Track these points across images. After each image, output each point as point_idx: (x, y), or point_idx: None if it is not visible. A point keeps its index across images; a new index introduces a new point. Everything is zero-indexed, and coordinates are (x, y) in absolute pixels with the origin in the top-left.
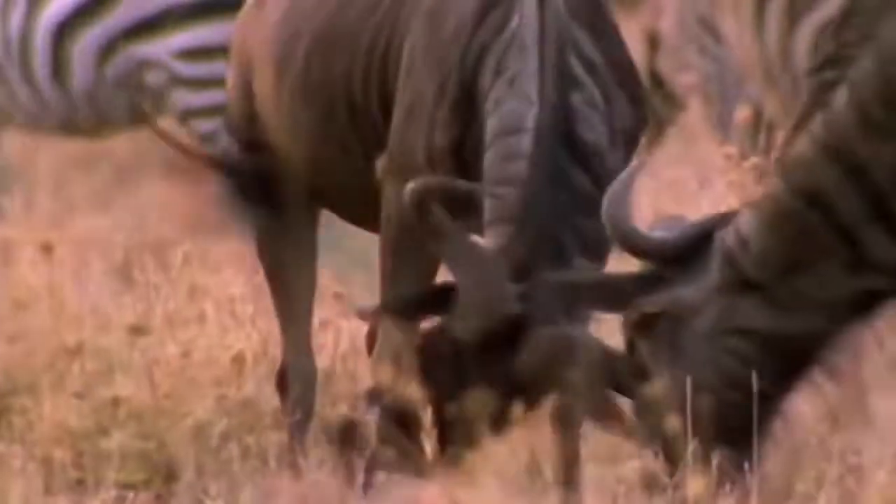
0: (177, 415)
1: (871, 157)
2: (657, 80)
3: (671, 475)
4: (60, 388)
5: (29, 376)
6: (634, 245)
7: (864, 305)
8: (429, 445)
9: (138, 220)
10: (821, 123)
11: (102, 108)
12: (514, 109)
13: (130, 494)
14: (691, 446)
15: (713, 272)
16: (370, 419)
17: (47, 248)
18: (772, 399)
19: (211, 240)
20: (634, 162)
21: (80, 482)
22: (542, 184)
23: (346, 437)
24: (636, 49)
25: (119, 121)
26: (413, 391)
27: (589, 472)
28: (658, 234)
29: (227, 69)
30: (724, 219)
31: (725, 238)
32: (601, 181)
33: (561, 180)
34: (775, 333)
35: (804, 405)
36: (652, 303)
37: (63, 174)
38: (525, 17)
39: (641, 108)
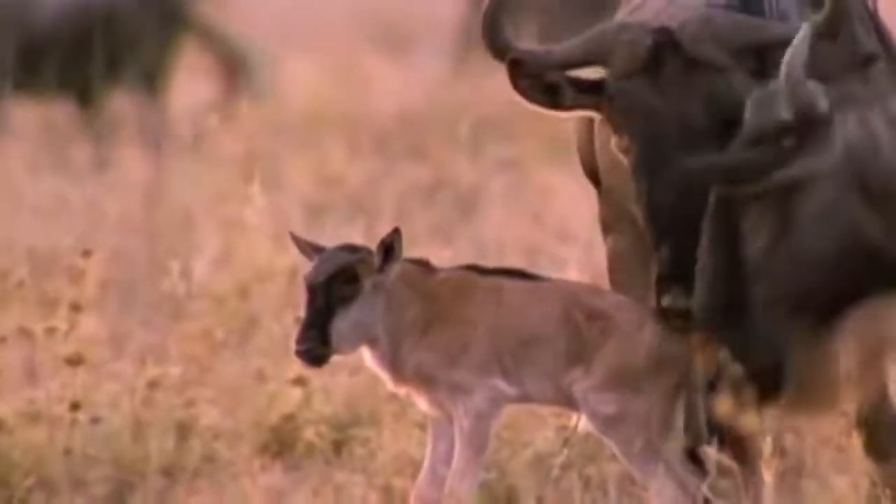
0: (517, 445)
1: None
2: None
3: None
4: (402, 418)
5: (371, 407)
6: (807, 110)
7: None
8: (768, 476)
9: (480, 252)
10: None
11: None
12: None
13: None
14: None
15: (836, 158)
16: (709, 449)
17: None
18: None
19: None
20: (804, 27)
21: None
22: None
23: (688, 467)
24: None
25: None
26: (753, 423)
27: None
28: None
29: None
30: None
31: (848, 128)
32: None
33: None
34: (876, 244)
35: None
36: (785, 175)
37: (406, 204)
38: None
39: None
